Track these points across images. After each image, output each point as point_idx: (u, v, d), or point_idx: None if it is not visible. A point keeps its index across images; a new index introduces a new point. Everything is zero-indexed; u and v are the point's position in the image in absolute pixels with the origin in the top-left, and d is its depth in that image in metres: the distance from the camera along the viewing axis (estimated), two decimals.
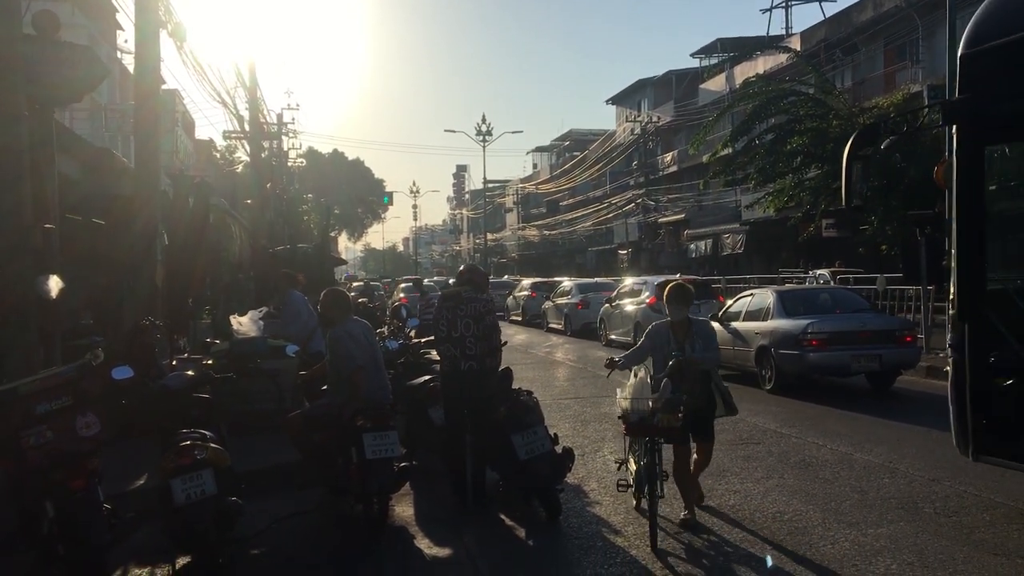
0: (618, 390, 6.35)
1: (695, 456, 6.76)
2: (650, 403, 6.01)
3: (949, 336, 6.72)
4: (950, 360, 6.52)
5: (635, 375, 6.30)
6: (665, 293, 6.88)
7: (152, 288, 10.78)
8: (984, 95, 6.00)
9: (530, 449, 6.63)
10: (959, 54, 6.25)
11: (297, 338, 8.87)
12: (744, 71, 36.33)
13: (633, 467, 6.55)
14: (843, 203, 6.78)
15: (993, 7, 6.09)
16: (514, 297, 33.54)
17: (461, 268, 7.81)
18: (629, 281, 22.73)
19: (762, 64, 35.82)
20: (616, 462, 7.24)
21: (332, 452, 6.78)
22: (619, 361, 6.65)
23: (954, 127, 6.22)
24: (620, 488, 6.59)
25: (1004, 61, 5.81)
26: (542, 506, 6.72)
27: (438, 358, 9.93)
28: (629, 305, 20.40)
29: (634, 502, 6.79)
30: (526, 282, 36.31)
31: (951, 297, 6.31)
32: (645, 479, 6.11)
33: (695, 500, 6.73)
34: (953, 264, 6.25)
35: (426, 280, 40.34)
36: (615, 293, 22.00)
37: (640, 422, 6.10)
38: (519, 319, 31.93)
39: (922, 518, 6.42)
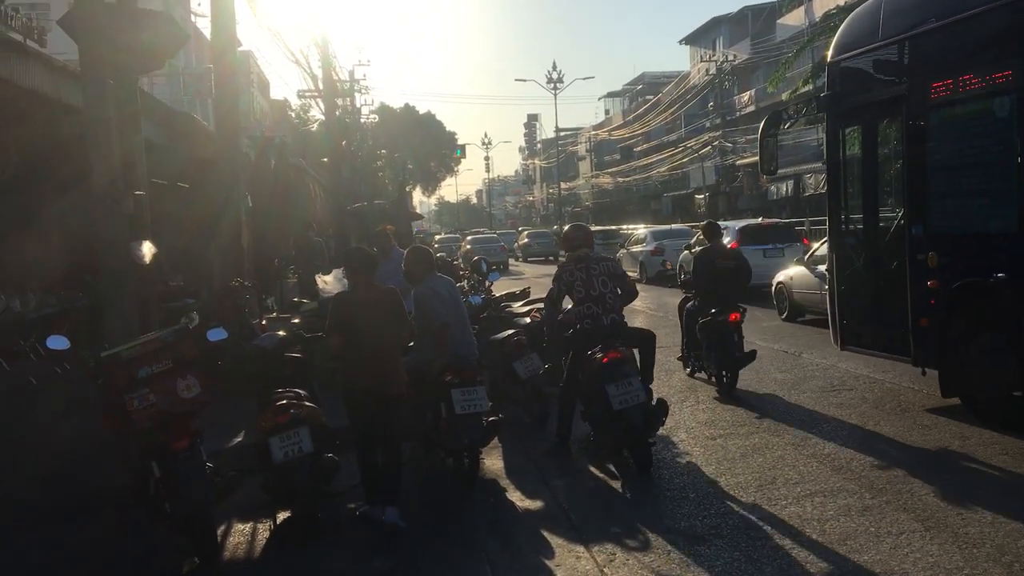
0: None
1: None
2: None
3: (827, 263, 9.63)
4: (827, 280, 9.58)
5: None
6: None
7: (239, 250, 11.00)
8: (841, 92, 8.97)
9: (624, 399, 6.57)
10: (827, 61, 9.30)
11: (401, 294, 8.95)
12: (824, 3, 34.91)
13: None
14: (760, 172, 9.65)
15: (847, 28, 8.99)
16: (629, 252, 26.78)
17: (567, 229, 7.90)
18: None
19: None
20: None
21: (421, 407, 6.86)
22: None
23: (824, 115, 9.30)
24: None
25: (850, 69, 8.87)
26: (633, 459, 6.69)
27: (521, 312, 10.01)
28: None
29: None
30: (642, 231, 28.32)
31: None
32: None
33: None
34: (827, 211, 9.41)
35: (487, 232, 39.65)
36: (694, 240, 21.59)
37: None
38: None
39: None
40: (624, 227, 36.07)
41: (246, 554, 5.64)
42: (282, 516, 6.05)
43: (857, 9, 9.47)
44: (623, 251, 27.42)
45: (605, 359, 6.75)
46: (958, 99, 7.50)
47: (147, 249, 7.60)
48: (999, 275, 6.99)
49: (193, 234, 11.64)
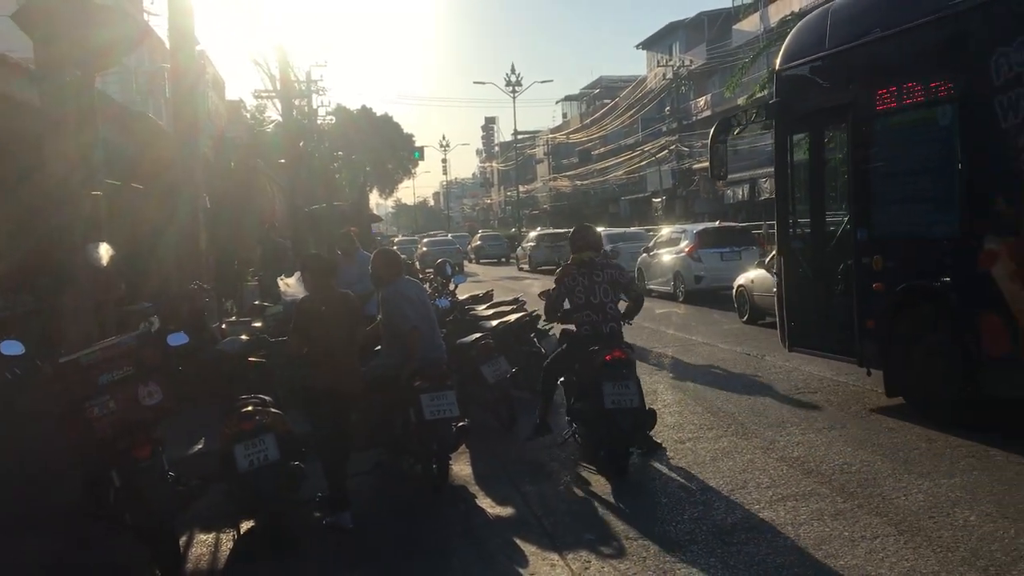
0: None
1: None
2: None
3: (775, 266, 9.88)
4: (775, 282, 9.82)
5: None
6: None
7: (198, 252, 10.75)
8: (788, 100, 9.19)
9: (617, 400, 6.51)
10: (775, 70, 9.58)
11: (365, 298, 8.81)
12: (779, 9, 35.39)
13: None
14: (711, 177, 10.72)
15: (794, 37, 9.31)
16: (650, 255, 21.10)
17: (574, 231, 7.55)
18: (667, 230, 22.37)
19: (797, 2, 34.82)
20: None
21: (389, 413, 6.74)
22: None
23: (772, 121, 9.58)
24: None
25: (798, 77, 9.10)
26: (610, 462, 6.63)
27: (486, 315, 9.92)
28: (667, 255, 20.13)
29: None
30: (666, 231, 22.12)
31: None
32: None
33: None
34: (775, 215, 9.58)
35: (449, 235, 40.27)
36: (652, 243, 21.73)
37: None
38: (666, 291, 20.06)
39: (995, 466, 6.25)
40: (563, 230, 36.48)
41: (209, 566, 5.47)
42: (246, 526, 5.87)
43: (805, 18, 9.75)
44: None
45: (608, 357, 6.68)
46: (902, 107, 7.70)
47: (104, 251, 7.38)
48: (941, 278, 7.18)
49: (151, 236, 11.36)
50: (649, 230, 29.07)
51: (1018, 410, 7.12)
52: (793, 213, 9.57)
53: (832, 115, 8.74)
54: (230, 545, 5.74)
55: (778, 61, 9.47)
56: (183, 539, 5.67)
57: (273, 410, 5.86)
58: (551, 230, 39.15)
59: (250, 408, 5.77)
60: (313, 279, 6.18)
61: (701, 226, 21.86)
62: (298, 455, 5.83)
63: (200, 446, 7.27)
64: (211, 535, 5.88)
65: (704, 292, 18.67)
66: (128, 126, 12.43)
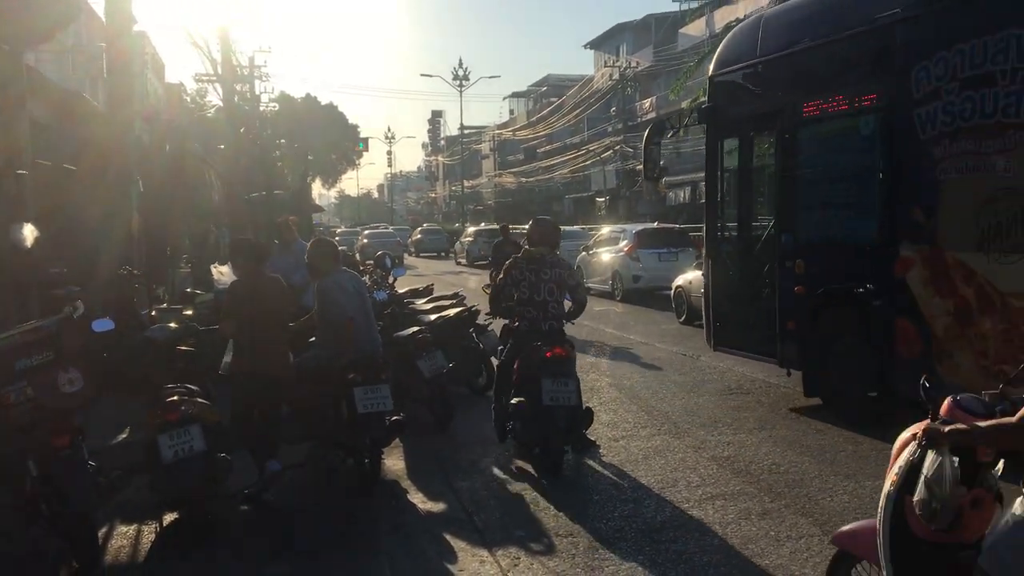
0: None
1: None
2: None
3: (703, 268, 10.12)
4: (703, 286, 9.99)
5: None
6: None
7: (128, 236, 10.48)
8: (720, 105, 9.31)
9: (555, 397, 6.50)
10: (709, 75, 9.68)
11: (301, 288, 8.67)
12: (724, 16, 35.79)
13: None
14: (644, 178, 10.63)
15: (727, 43, 9.47)
16: (590, 253, 21.35)
17: (532, 224, 7.41)
18: (607, 229, 22.57)
19: (743, 8, 35.21)
20: None
21: (322, 406, 6.64)
22: None
23: (705, 126, 9.61)
24: None
25: (729, 83, 9.26)
26: (544, 459, 6.63)
27: (425, 309, 9.86)
28: (606, 254, 20.32)
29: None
30: (605, 230, 22.53)
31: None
32: None
33: None
34: (705, 218, 9.81)
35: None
36: (592, 242, 21.89)
37: None
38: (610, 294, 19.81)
39: None
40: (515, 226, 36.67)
41: (130, 559, 5.33)
42: (170, 518, 5.74)
43: (739, 25, 10.03)
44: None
45: (549, 353, 6.66)
46: (827, 116, 7.95)
47: (28, 232, 7.14)
48: (859, 283, 7.42)
49: (81, 219, 11.05)
50: (588, 229, 29.25)
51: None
52: (721, 216, 9.80)
53: (761, 122, 8.99)
54: (152, 538, 5.60)
55: (711, 67, 9.65)
56: (103, 531, 5.52)
57: (200, 400, 5.73)
58: (490, 226, 39.21)
59: (176, 398, 5.62)
60: (244, 263, 6.28)
61: (640, 226, 22.12)
62: (224, 446, 5.70)
63: (125, 436, 7.08)
64: (132, 527, 5.73)
65: (641, 291, 18.90)
66: (61, 106, 12.10)
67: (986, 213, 6.27)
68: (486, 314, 8.10)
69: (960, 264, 6.52)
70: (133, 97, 12.12)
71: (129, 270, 9.18)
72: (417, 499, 6.24)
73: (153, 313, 8.95)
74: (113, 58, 11.62)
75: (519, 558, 5.07)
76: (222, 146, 28.59)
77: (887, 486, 3.21)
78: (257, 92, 46.82)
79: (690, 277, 14.96)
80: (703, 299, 9.97)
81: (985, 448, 2.92)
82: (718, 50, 9.66)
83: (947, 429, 2.90)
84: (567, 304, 7.22)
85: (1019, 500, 2.72)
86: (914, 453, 3.10)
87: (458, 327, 9.39)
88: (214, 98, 38.32)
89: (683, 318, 15.17)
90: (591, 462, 6.90)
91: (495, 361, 7.84)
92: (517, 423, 6.96)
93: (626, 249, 19.41)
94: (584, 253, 21.45)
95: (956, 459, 2.88)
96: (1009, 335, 6.15)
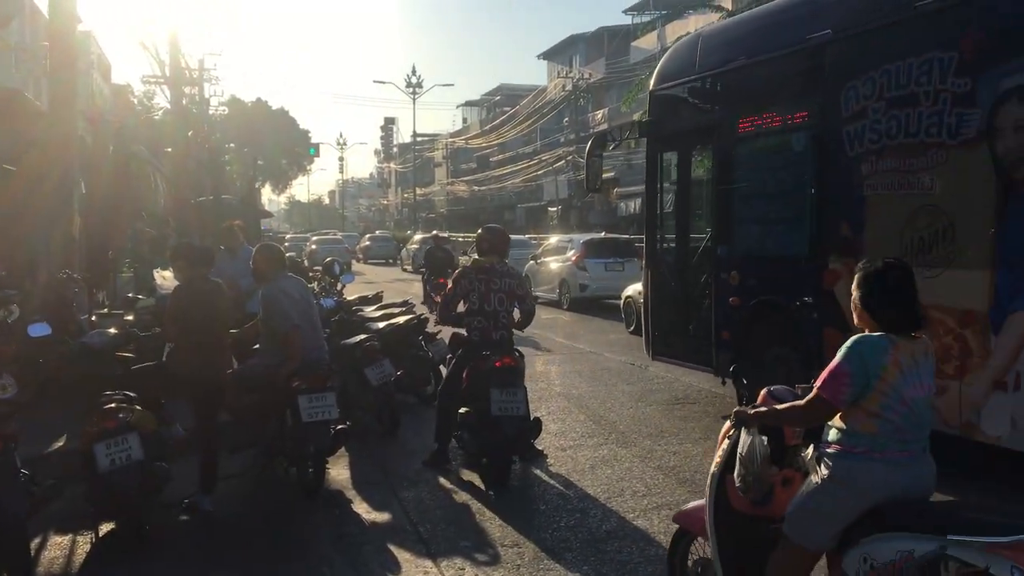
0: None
1: None
2: None
3: (643, 278, 10.28)
4: (642, 296, 10.11)
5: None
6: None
7: (69, 239, 10.23)
8: (659, 119, 9.50)
9: (504, 407, 6.46)
10: (649, 89, 9.81)
11: (248, 293, 8.53)
12: (675, 30, 36.20)
13: None
14: (586, 188, 11.08)
15: (667, 59, 9.58)
16: (538, 263, 21.41)
17: (482, 233, 7.30)
18: (554, 239, 22.84)
19: (693, 23, 35.57)
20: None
21: (265, 414, 6.54)
22: None
23: (644, 140, 9.84)
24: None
25: (669, 98, 9.41)
26: (491, 469, 6.60)
27: (374, 316, 9.78)
28: (554, 263, 20.57)
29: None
30: (553, 240, 22.70)
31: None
32: None
33: None
34: (644, 229, 10.05)
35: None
36: (540, 251, 22.14)
37: None
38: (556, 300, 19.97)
39: None
40: (461, 235, 36.98)
41: (63, 570, 5.17)
42: (106, 528, 5.58)
43: (679, 42, 10.20)
44: (464, 258, 27.31)
45: (498, 363, 6.62)
46: (761, 132, 8.15)
47: None
48: (790, 294, 7.62)
49: (21, 221, 10.76)
50: (532, 239, 29.48)
51: None
52: (661, 228, 10.01)
53: (698, 136, 9.20)
54: (88, 548, 5.44)
55: (652, 81, 9.82)
56: (35, 542, 5.36)
57: (139, 408, 5.59)
58: (434, 233, 39.19)
59: (114, 405, 5.49)
60: (186, 268, 6.18)
61: (587, 236, 22.41)
62: (163, 454, 5.58)
63: (60, 444, 6.88)
64: (67, 537, 5.56)
65: (588, 300, 19.14)
66: (2, 105, 11.77)
67: (909, 229, 6.47)
68: (435, 322, 8.05)
69: None
70: (77, 97, 11.84)
71: (69, 274, 8.96)
72: (362, 509, 6.16)
73: (93, 318, 8.75)
74: (56, 57, 11.36)
75: (464, 569, 5.03)
76: (169, 149, 28.09)
77: (712, 467, 3.67)
78: (207, 95, 46.32)
79: (640, 287, 15.05)
80: (643, 309, 10.11)
81: (791, 430, 3.50)
82: (658, 65, 9.84)
83: (752, 411, 3.45)
84: (516, 314, 7.20)
85: (812, 474, 3.29)
86: (730, 434, 3.59)
87: (407, 335, 9.33)
88: (162, 100, 37.75)
89: (632, 328, 15.23)
90: (538, 472, 6.89)
91: (444, 370, 7.79)
92: (465, 433, 6.92)
93: (573, 258, 19.67)
94: (532, 262, 21.66)
95: (765, 439, 3.40)
96: None
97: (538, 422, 7.03)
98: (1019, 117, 5.71)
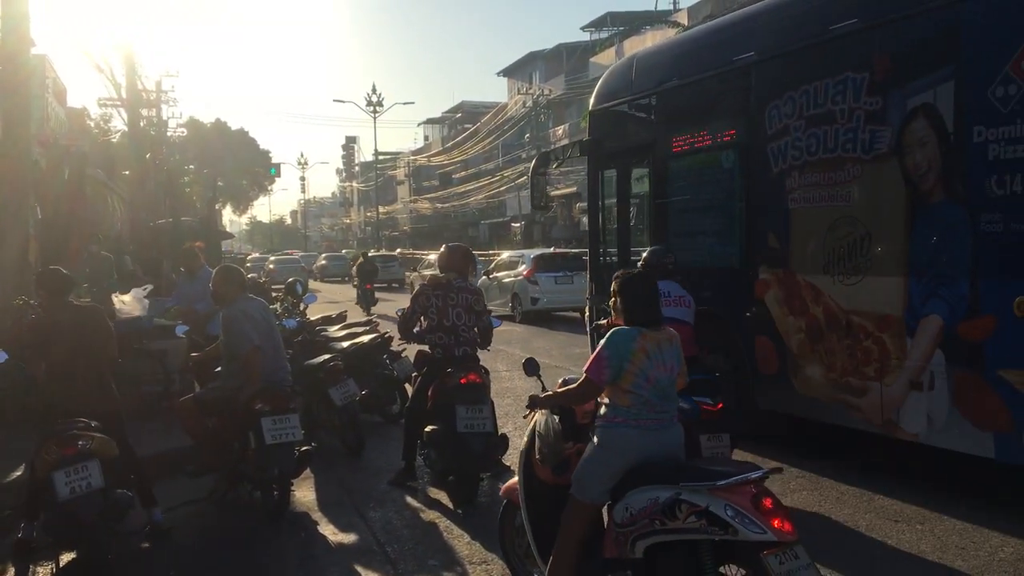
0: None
1: None
2: None
3: (587, 291, 10.47)
4: (587, 306, 10.51)
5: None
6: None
7: (24, 264, 10.05)
8: (599, 138, 9.76)
9: (470, 424, 6.43)
10: (589, 109, 10.07)
11: (207, 316, 8.43)
12: (633, 45, 36.68)
13: None
14: (532, 206, 11.33)
15: (606, 80, 9.84)
16: (421, 275, 23.16)
17: (443, 250, 7.28)
18: (506, 254, 23.51)
19: (650, 39, 36.15)
20: None
21: (228, 437, 6.46)
22: None
23: (586, 158, 10.04)
24: None
25: (607, 117, 9.67)
26: (458, 487, 6.55)
27: (338, 336, 9.71)
28: (506, 277, 21.17)
29: None
30: (432, 256, 23.84)
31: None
32: None
33: None
34: (588, 244, 10.26)
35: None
36: (492, 266, 22.60)
37: None
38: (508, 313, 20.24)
39: (823, 487, 6.57)
40: (418, 252, 37.20)
41: None
42: (66, 559, 5.47)
43: (616, 63, 10.51)
44: (415, 274, 27.46)
45: (463, 380, 6.59)
46: (693, 150, 8.47)
47: None
48: (724, 304, 7.87)
49: None
50: (483, 255, 29.75)
51: (799, 427, 7.60)
52: (603, 242, 10.21)
53: (636, 154, 9.45)
54: None
55: (591, 101, 10.06)
56: None
57: (99, 434, 5.49)
58: (363, 251, 39.25)
59: (74, 432, 5.38)
60: (48, 295, 5.83)
61: (537, 251, 23.18)
62: (124, 481, 5.48)
63: (17, 474, 6.74)
64: (27, 568, 5.44)
65: (540, 313, 19.85)
66: None
67: (830, 239, 6.76)
68: (399, 340, 8.01)
69: (810, 286, 7.01)
70: (30, 120, 11.67)
71: (25, 300, 8.79)
72: (328, 531, 6.10)
73: None
74: (9, 81, 11.19)
75: None
76: (127, 172, 27.75)
77: (522, 445, 4.50)
78: (165, 117, 45.85)
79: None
80: (588, 321, 10.24)
81: (580, 410, 4.31)
82: (597, 86, 10.05)
83: (543, 395, 4.39)
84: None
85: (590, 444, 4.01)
86: (529, 415, 4.53)
87: (371, 354, 9.28)
88: (119, 123, 37.34)
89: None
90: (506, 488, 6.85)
91: (409, 388, 7.75)
92: (432, 451, 6.88)
93: (525, 273, 20.39)
94: (485, 277, 22.08)
95: (557, 418, 4.26)
96: (852, 349, 6.62)
97: (505, 438, 6.99)
98: (925, 134, 6.03)
